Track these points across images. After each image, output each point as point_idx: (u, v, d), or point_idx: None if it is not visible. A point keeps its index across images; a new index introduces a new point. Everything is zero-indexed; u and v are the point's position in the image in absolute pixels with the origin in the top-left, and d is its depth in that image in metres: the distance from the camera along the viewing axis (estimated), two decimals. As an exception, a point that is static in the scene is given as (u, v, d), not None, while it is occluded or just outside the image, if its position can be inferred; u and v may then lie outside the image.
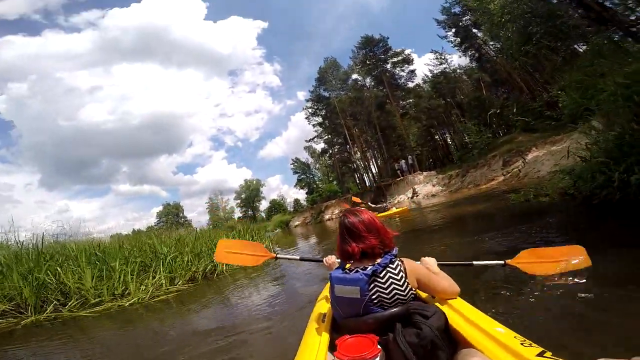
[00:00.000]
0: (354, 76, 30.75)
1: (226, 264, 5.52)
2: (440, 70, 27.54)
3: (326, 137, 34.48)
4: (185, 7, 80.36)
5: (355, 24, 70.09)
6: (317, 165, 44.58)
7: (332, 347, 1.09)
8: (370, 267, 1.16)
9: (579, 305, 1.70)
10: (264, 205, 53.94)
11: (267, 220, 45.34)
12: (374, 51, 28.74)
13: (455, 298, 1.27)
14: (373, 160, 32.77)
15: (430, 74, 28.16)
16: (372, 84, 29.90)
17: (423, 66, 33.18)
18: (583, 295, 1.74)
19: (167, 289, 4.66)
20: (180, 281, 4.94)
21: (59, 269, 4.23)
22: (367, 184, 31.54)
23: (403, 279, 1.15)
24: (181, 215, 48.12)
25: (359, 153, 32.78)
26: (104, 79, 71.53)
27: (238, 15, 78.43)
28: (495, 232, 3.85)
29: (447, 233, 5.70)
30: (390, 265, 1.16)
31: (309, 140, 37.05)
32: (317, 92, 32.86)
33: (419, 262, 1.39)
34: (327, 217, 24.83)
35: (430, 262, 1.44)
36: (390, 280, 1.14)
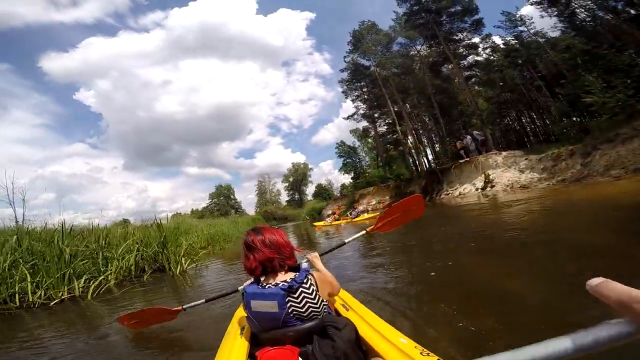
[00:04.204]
0: (400, 40, 24.15)
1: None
2: (514, 34, 19.59)
3: (367, 112, 29.08)
4: (238, 3, 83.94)
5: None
6: (366, 149, 40.64)
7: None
8: (284, 283, 1.17)
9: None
10: (310, 189, 52.84)
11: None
12: (420, 3, 21.56)
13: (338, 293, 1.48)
14: (427, 140, 26.93)
15: (502, 40, 20.39)
16: (424, 46, 23.20)
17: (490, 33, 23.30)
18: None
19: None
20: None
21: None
22: (421, 169, 25.66)
23: (315, 293, 1.18)
24: (232, 197, 49.93)
25: (410, 134, 26.96)
26: (173, 73, 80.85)
27: (286, 7, 78.04)
28: None
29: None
30: (304, 282, 1.18)
31: (347, 118, 31.12)
32: (353, 60, 27.01)
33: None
34: (361, 207, 19.13)
35: (316, 259, 1.57)
36: (303, 295, 1.16)
